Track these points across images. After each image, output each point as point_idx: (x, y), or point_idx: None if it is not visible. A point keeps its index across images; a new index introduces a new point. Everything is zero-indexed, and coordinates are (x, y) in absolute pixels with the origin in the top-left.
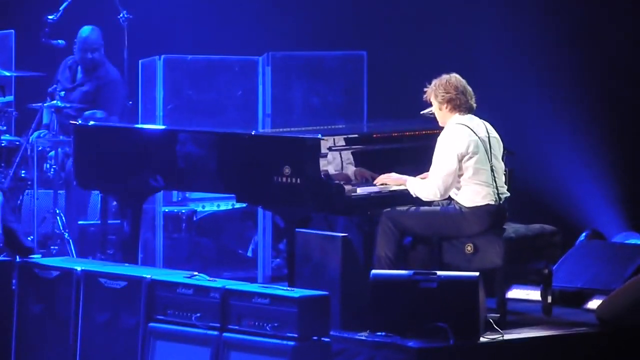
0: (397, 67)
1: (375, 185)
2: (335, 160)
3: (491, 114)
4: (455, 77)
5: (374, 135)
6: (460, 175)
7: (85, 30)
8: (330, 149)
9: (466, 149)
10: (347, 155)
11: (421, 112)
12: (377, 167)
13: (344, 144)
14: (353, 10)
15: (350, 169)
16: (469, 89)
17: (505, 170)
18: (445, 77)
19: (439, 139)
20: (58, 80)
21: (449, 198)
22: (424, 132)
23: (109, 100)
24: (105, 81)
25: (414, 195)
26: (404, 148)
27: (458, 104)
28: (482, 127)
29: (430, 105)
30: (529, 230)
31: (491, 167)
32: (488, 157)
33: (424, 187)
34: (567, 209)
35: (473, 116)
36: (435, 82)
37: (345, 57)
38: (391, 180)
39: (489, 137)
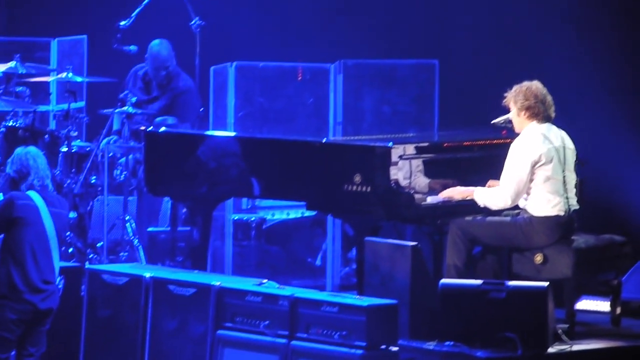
0: (469, 75)
1: (439, 195)
2: (405, 168)
3: (562, 123)
4: (536, 85)
5: (445, 144)
6: (531, 181)
7: (155, 47)
8: (401, 157)
9: (539, 156)
10: (418, 163)
11: (492, 122)
12: (447, 176)
13: (415, 152)
14: (425, 18)
15: (423, 179)
16: (549, 98)
17: (576, 181)
18: (526, 83)
19: (512, 144)
20: (129, 89)
21: (518, 206)
22: (494, 141)
23: (182, 108)
24: (179, 91)
25: (482, 206)
26: (474, 157)
27: (536, 112)
28: (558, 137)
29: (509, 110)
30: (599, 240)
31: (563, 177)
32: (561, 167)
33: (493, 195)
34: (637, 219)
35: (551, 125)
36: (516, 88)
37: (417, 66)
38: (457, 194)
39: (564, 148)
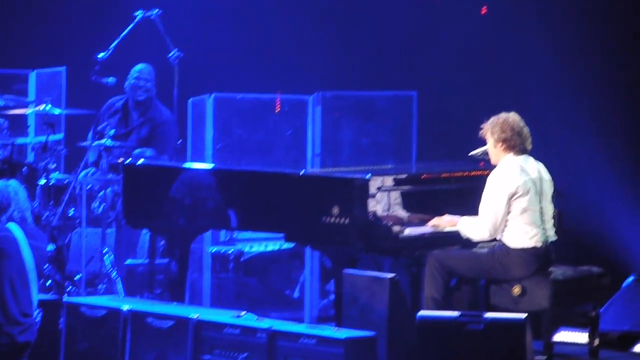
0: (447, 107)
1: (424, 226)
2: (383, 200)
3: (541, 155)
4: (513, 117)
5: (423, 176)
6: (508, 213)
7: (139, 65)
8: (379, 189)
9: (516, 188)
10: (396, 195)
11: (470, 154)
12: (426, 208)
13: (393, 184)
14: (403, 50)
15: (401, 211)
16: (526, 130)
17: (554, 212)
18: (503, 115)
19: (489, 177)
20: (106, 121)
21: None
22: (472, 173)
23: (160, 140)
24: (157, 122)
25: (464, 237)
26: (452, 189)
27: (512, 145)
28: (535, 168)
29: (485, 142)
30: (577, 272)
31: (540, 208)
32: (538, 198)
33: (474, 227)
34: (615, 251)
35: (528, 157)
36: (493, 119)
37: (395, 98)
38: (444, 222)
39: (541, 179)
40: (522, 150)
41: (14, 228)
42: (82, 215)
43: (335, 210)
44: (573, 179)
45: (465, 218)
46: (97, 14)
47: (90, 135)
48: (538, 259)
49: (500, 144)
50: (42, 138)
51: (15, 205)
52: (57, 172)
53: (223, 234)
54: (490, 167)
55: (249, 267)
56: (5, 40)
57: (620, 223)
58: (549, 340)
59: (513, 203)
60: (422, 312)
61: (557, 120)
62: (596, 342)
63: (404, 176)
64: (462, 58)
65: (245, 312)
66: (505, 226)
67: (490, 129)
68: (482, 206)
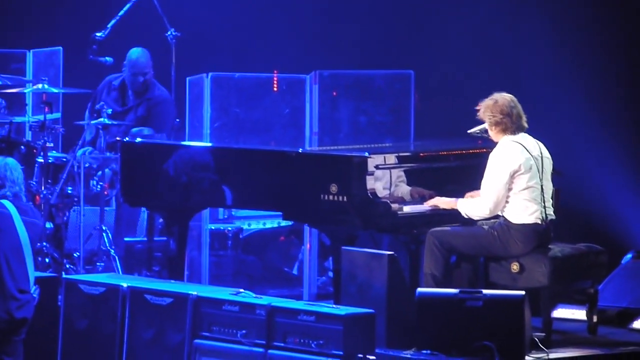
0: (444, 86)
1: (422, 204)
2: (385, 177)
3: (538, 133)
4: (503, 99)
5: (421, 154)
6: (510, 189)
7: (135, 53)
8: (377, 167)
9: (519, 166)
10: (399, 173)
11: (468, 131)
12: (424, 186)
13: (391, 162)
14: (401, 29)
15: (404, 188)
16: (517, 110)
17: (552, 191)
18: (494, 97)
19: (491, 155)
20: (103, 99)
21: (497, 216)
22: (470, 151)
23: (158, 119)
24: (155, 102)
25: (465, 216)
26: (450, 167)
27: (504, 128)
28: (535, 146)
29: (484, 120)
30: (575, 249)
31: (541, 186)
32: (539, 176)
33: (475, 206)
34: (613, 229)
35: (526, 135)
36: (485, 102)
37: (393, 76)
38: (442, 203)
39: (541, 157)
40: (517, 130)
41: (7, 204)
42: (80, 194)
43: (334, 188)
44: (571, 157)
45: (463, 199)
46: None
47: (87, 113)
48: (538, 235)
49: (493, 127)
50: (40, 117)
51: (10, 183)
52: (55, 150)
53: (221, 212)
54: (488, 144)
55: (248, 245)
56: (1, 20)
57: (617, 200)
58: (548, 316)
59: (515, 180)
60: (421, 289)
61: (555, 98)
62: (594, 318)
63: (402, 154)
64: (460, 37)
65: (243, 289)
66: (507, 202)
67: (483, 112)
68: (484, 184)
